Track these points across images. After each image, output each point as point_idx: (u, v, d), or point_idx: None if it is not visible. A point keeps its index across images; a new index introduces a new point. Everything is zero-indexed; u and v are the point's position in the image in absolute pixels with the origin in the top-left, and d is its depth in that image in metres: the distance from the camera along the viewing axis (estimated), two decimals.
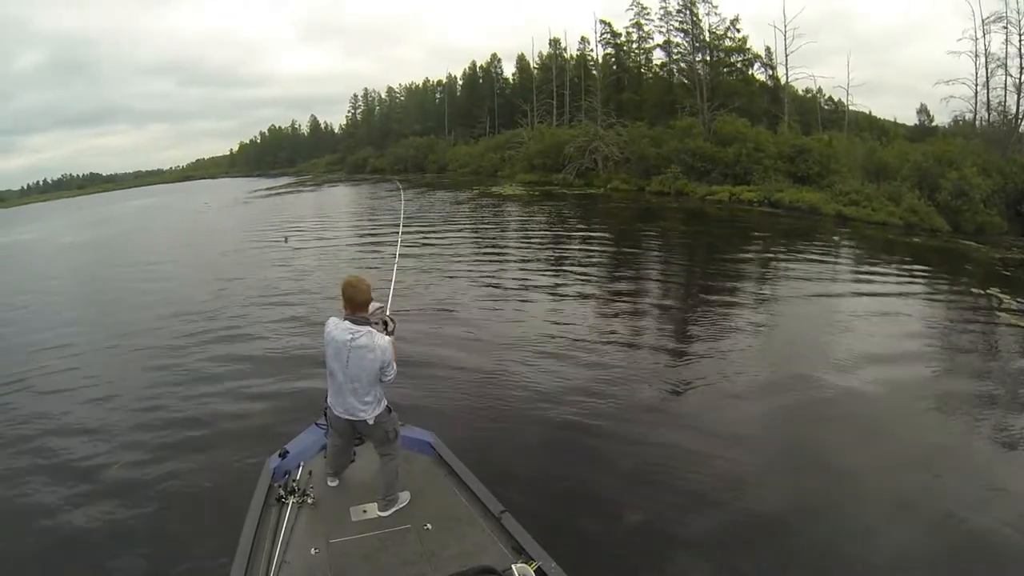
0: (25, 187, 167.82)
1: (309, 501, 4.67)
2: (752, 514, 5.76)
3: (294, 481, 4.85)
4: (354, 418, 4.60)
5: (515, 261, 18.66)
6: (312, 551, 4.21)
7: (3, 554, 5.68)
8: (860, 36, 70.17)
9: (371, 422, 4.60)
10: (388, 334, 4.74)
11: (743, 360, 9.81)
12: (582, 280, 15.74)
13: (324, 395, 5.03)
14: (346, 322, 4.46)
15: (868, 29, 72.64)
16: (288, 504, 4.60)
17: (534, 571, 3.80)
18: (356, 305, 4.47)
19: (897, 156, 30.90)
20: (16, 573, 5.49)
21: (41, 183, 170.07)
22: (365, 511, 4.67)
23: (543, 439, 7.34)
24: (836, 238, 22.62)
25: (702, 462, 6.66)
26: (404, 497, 4.69)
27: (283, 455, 5.22)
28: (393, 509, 4.61)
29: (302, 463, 5.19)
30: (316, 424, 5.58)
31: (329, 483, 4.90)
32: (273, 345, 11.09)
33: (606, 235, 23.72)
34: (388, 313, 5.07)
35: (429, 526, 4.42)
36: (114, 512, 6.11)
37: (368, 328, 4.44)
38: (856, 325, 11.63)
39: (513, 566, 3.80)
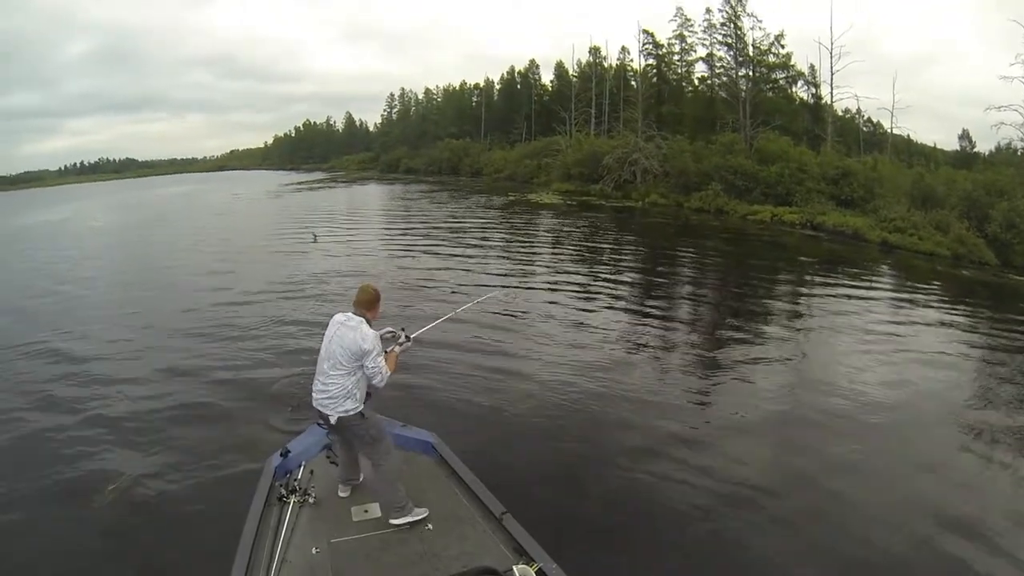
0: (63, 168, 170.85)
1: (311, 500, 4.77)
2: (756, 529, 5.86)
3: (295, 480, 4.95)
4: (322, 409, 4.76)
5: (547, 270, 18.83)
6: (313, 550, 4.28)
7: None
8: (886, 59, 69.44)
9: (333, 420, 4.71)
10: (397, 344, 5.13)
11: (768, 387, 9.86)
12: (614, 293, 15.97)
13: None
14: (348, 312, 4.85)
15: (893, 52, 71.85)
16: (289, 503, 4.68)
17: (535, 572, 3.87)
18: (358, 303, 4.85)
19: (944, 183, 30.36)
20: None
21: (78, 165, 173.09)
22: (366, 511, 4.75)
23: (553, 443, 7.61)
24: (883, 267, 22.31)
25: (709, 475, 6.80)
26: (420, 512, 4.66)
27: (285, 454, 5.29)
28: (405, 519, 4.59)
29: (304, 462, 5.29)
30: (318, 424, 5.59)
31: (340, 492, 4.97)
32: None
33: (644, 251, 23.74)
34: (405, 332, 5.26)
35: (430, 526, 4.50)
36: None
37: (362, 319, 4.75)
38: (896, 364, 11.26)
39: (514, 567, 3.88)
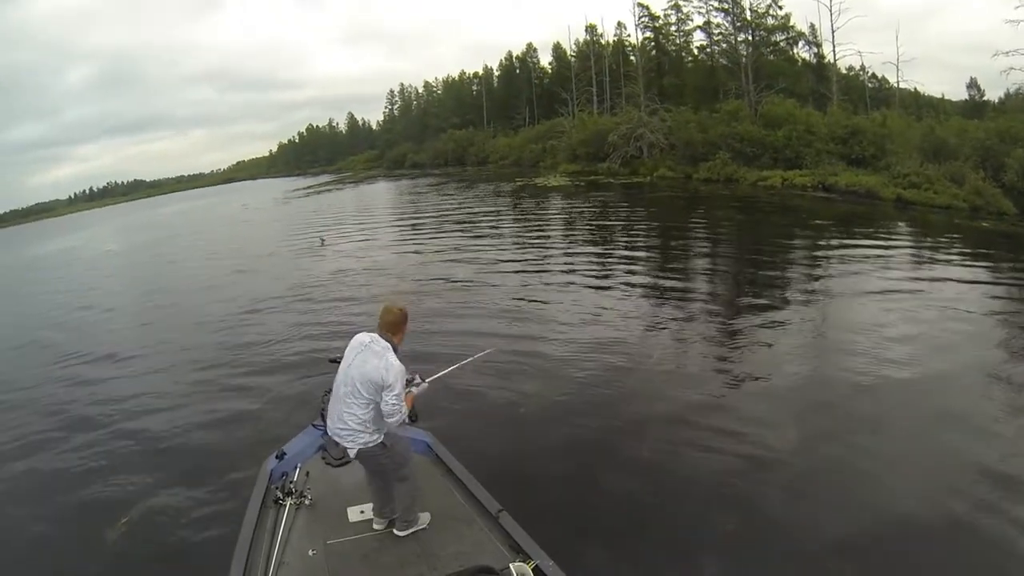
0: (72, 196, 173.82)
1: (306, 502, 4.73)
2: (760, 522, 5.66)
3: (291, 482, 4.90)
4: (339, 440, 4.39)
5: (560, 251, 18.95)
6: (310, 552, 4.26)
7: None
8: (887, 13, 68.25)
9: (353, 454, 4.38)
10: (414, 386, 4.72)
11: (789, 347, 9.88)
12: (628, 268, 16.06)
13: (321, 395, 5.19)
14: (373, 333, 4.39)
15: (894, 5, 70.69)
16: (285, 505, 4.66)
17: (532, 570, 3.83)
18: (383, 324, 4.38)
19: (956, 134, 29.73)
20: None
21: (87, 191, 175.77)
22: (362, 512, 4.70)
23: (569, 421, 7.60)
24: (900, 224, 21.99)
25: (716, 470, 6.53)
26: (424, 518, 4.51)
27: (280, 456, 5.29)
28: (411, 530, 4.43)
29: (299, 464, 5.24)
30: (313, 425, 5.62)
31: (375, 526, 4.60)
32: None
33: (656, 225, 23.56)
34: (419, 375, 4.89)
35: (427, 526, 4.44)
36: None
37: (388, 344, 4.30)
38: (918, 318, 11.08)
39: (511, 565, 3.83)
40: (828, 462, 6.58)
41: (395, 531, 4.41)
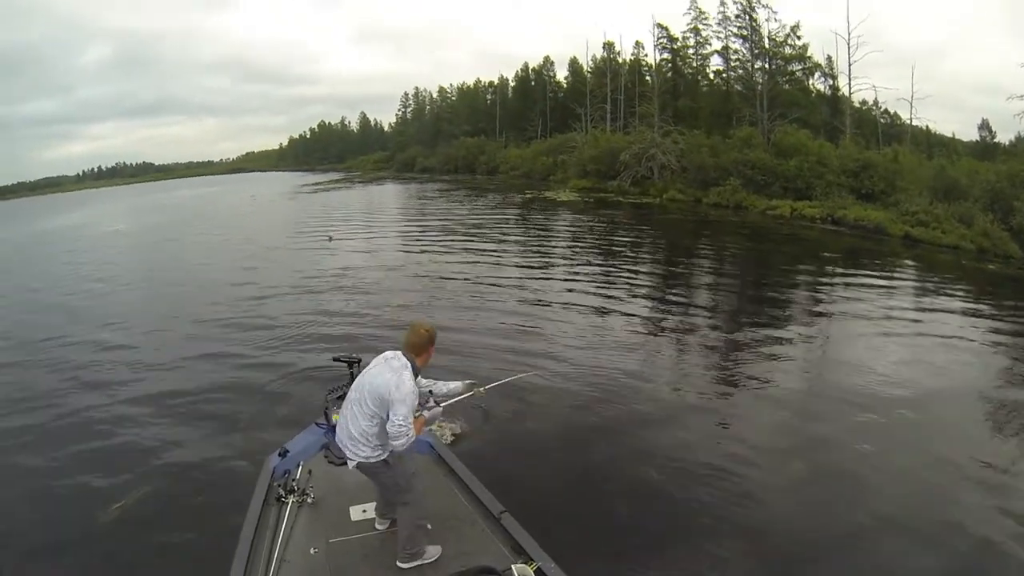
0: (80, 173, 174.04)
1: (309, 500, 4.76)
2: (756, 529, 5.76)
3: (294, 480, 4.94)
4: (342, 448, 4.30)
5: (567, 267, 19.05)
6: (312, 550, 4.29)
7: None
8: (902, 49, 68.34)
9: (352, 465, 4.25)
10: (426, 409, 4.57)
11: (791, 368, 10.15)
12: (635, 285, 16.21)
13: (325, 395, 5.29)
14: (399, 351, 4.25)
15: (909, 42, 70.77)
16: (288, 503, 4.68)
17: (534, 571, 3.88)
18: (407, 344, 4.22)
19: (967, 174, 29.81)
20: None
21: (96, 170, 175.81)
22: (364, 511, 4.74)
23: (564, 441, 7.58)
24: (906, 261, 22.01)
25: (715, 476, 6.65)
26: (432, 552, 4.28)
27: (283, 454, 5.32)
28: (415, 563, 4.21)
29: (302, 462, 5.27)
30: (316, 424, 5.66)
31: (377, 525, 4.62)
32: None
33: (664, 247, 23.80)
34: (434, 396, 4.76)
35: (429, 526, 4.42)
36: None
37: (407, 363, 4.14)
38: (918, 348, 11.45)
39: (513, 566, 3.89)
40: (829, 473, 6.78)
41: (398, 563, 4.21)
